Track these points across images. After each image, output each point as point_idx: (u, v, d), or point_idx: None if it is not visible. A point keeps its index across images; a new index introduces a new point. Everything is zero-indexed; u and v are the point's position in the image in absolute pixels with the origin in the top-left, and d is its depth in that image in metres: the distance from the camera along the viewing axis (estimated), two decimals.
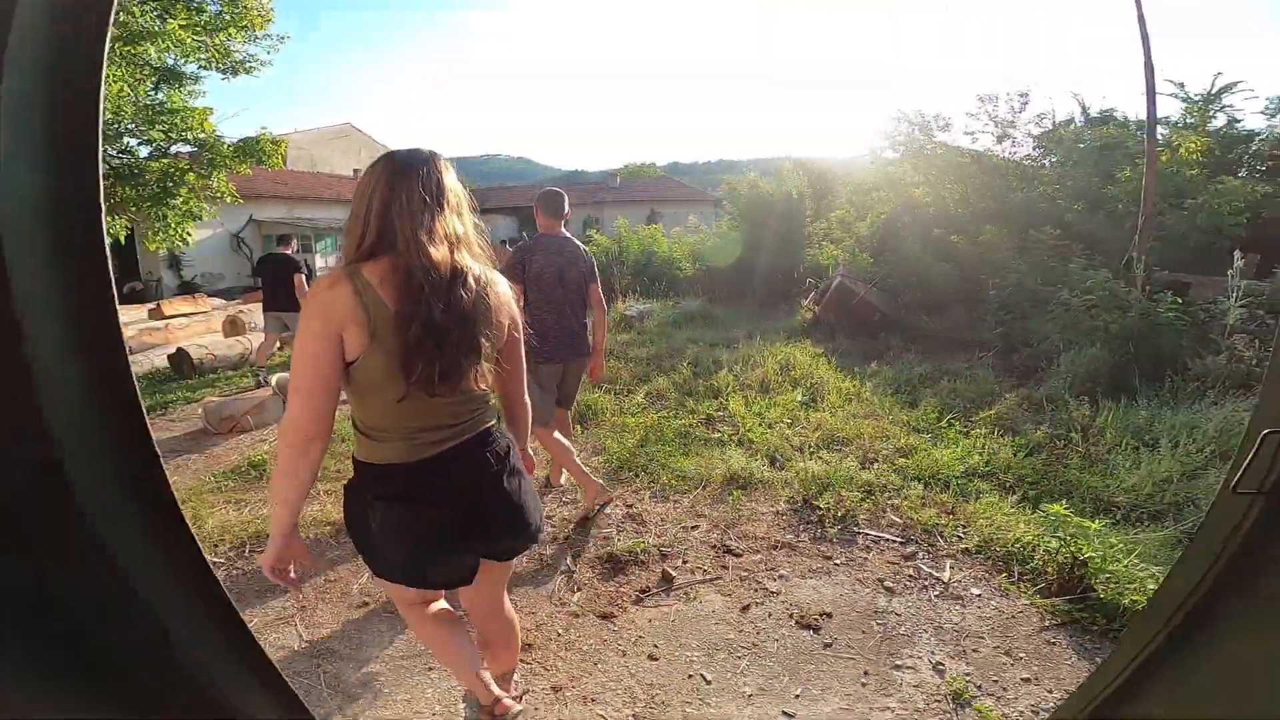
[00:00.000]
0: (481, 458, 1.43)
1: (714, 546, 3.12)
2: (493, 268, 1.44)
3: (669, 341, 7.38)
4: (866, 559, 3.03)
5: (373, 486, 1.37)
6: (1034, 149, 11.30)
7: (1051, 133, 10.89)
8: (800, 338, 7.65)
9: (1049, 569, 2.80)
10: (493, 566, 1.59)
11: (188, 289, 19.74)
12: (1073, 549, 2.74)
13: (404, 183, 1.29)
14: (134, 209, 9.14)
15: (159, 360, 7.66)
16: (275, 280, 5.88)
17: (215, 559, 3.01)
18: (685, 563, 2.98)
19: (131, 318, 9.99)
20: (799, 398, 5.19)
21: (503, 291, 1.44)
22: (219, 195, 9.74)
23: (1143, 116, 10.19)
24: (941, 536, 3.19)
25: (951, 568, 2.95)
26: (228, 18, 8.37)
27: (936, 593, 2.78)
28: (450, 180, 1.36)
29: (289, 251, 6.29)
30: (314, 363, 1.24)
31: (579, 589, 2.77)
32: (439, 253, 1.28)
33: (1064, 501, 3.39)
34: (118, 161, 8.88)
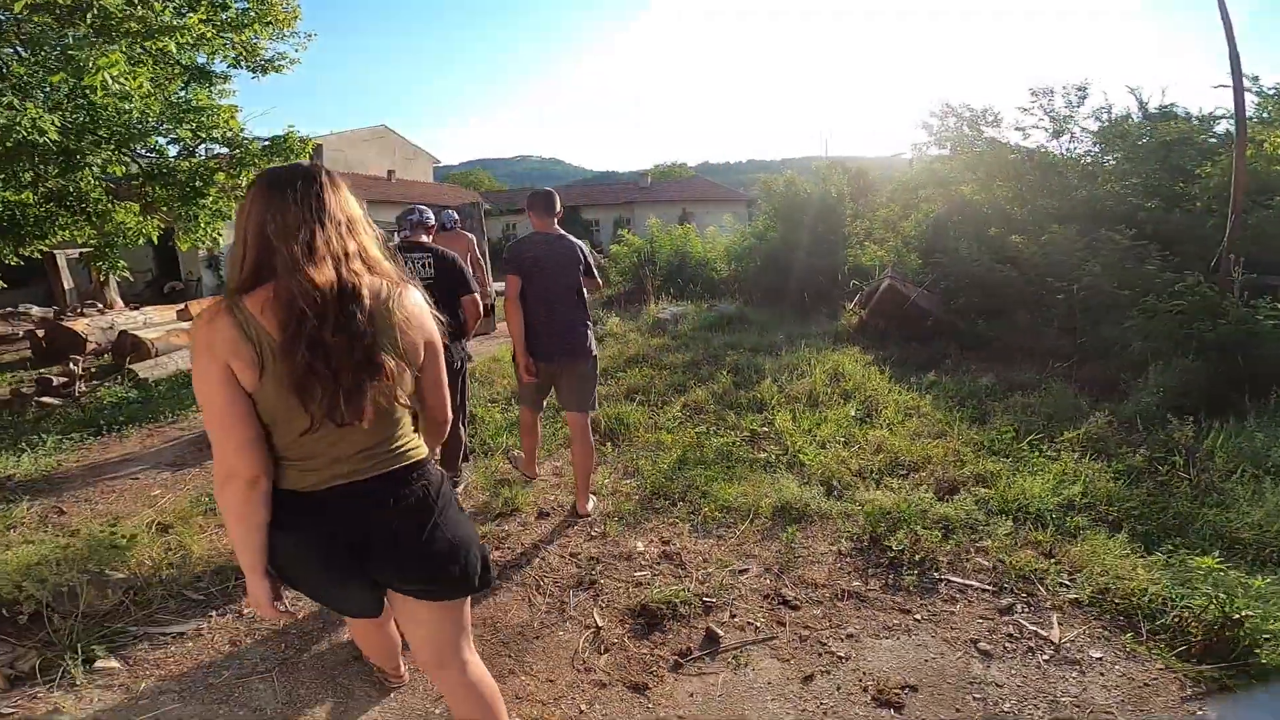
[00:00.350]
0: (390, 496, 1.32)
1: (767, 596, 2.65)
2: (403, 282, 1.34)
3: (705, 347, 6.90)
4: (953, 613, 2.53)
5: (276, 511, 1.29)
6: (1094, 145, 10.57)
7: (1113, 127, 10.14)
8: (846, 344, 7.10)
9: (1192, 628, 2.27)
10: (422, 608, 1.43)
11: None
12: (1225, 607, 2.21)
13: (279, 201, 1.21)
14: (165, 208, 9.06)
15: (183, 362, 7.48)
16: None
17: (195, 595, 2.66)
18: (733, 617, 2.51)
19: (161, 318, 9.90)
20: (852, 412, 4.67)
21: (412, 305, 1.33)
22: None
23: (1207, 111, 9.43)
24: (1042, 585, 2.67)
25: (1060, 624, 2.44)
26: (253, 14, 8.19)
27: (1045, 656, 2.28)
28: (335, 194, 1.28)
29: None
30: (217, 398, 1.18)
31: (606, 650, 2.32)
32: (322, 272, 1.18)
33: (1179, 539, 2.88)
34: (147, 161, 8.80)
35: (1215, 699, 2.04)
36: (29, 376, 7.23)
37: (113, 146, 7.90)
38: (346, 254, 1.23)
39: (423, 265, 3.14)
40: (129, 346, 7.41)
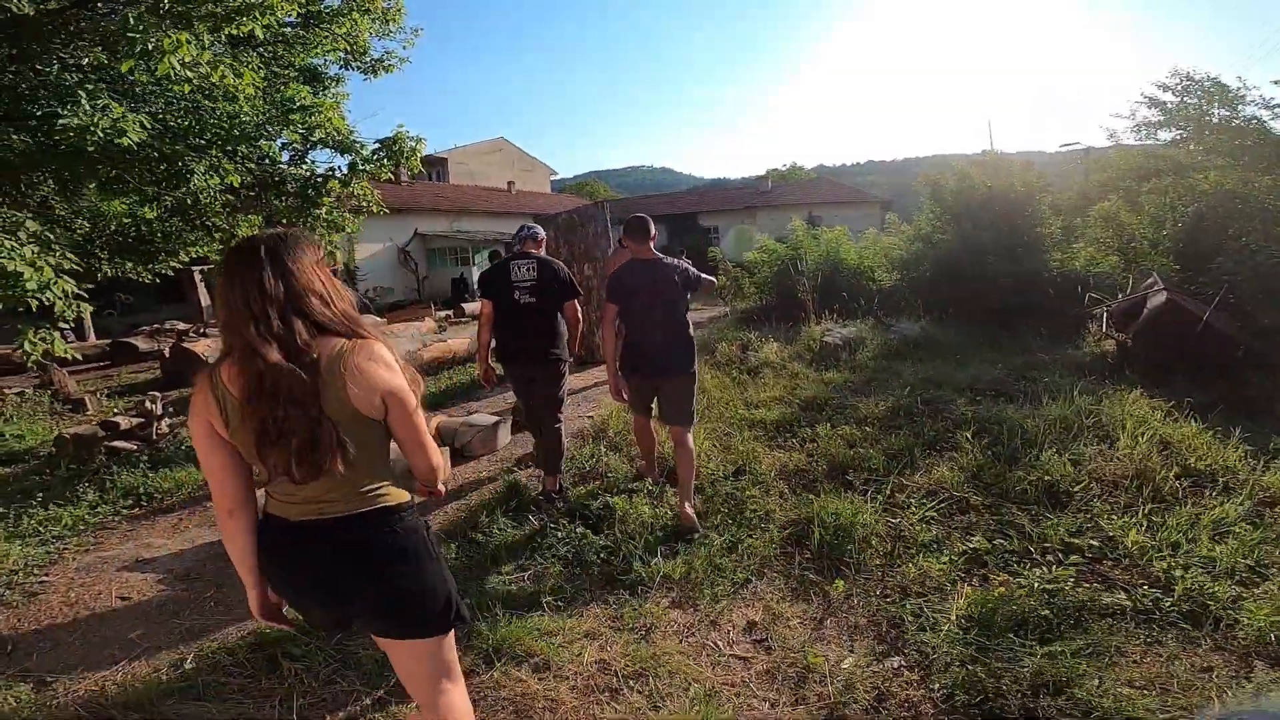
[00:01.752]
0: (347, 540, 1.41)
1: None
2: (363, 337, 1.38)
3: (902, 385, 5.10)
4: None
5: (261, 534, 1.46)
6: None
7: None
8: (1107, 381, 5.04)
9: None
10: (393, 644, 1.53)
11: (360, 304, 20.13)
12: None
13: (232, 281, 1.32)
14: (283, 220, 8.60)
15: None
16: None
17: None
18: None
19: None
20: (1235, 511, 2.78)
21: (363, 361, 1.34)
22: (366, 203, 8.95)
23: None
24: None
25: None
26: (352, 3, 7.50)
27: None
28: (291, 261, 1.34)
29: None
30: (200, 449, 1.38)
31: None
32: (270, 353, 1.27)
33: None
34: (260, 168, 8.28)
35: None
36: (149, 400, 6.70)
37: (216, 152, 7.37)
38: (299, 322, 1.31)
39: (527, 269, 3.45)
40: None
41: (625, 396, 3.37)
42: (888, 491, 3.22)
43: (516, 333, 3.42)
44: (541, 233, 3.61)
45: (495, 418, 4.78)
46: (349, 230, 8.83)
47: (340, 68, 9.50)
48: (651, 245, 3.28)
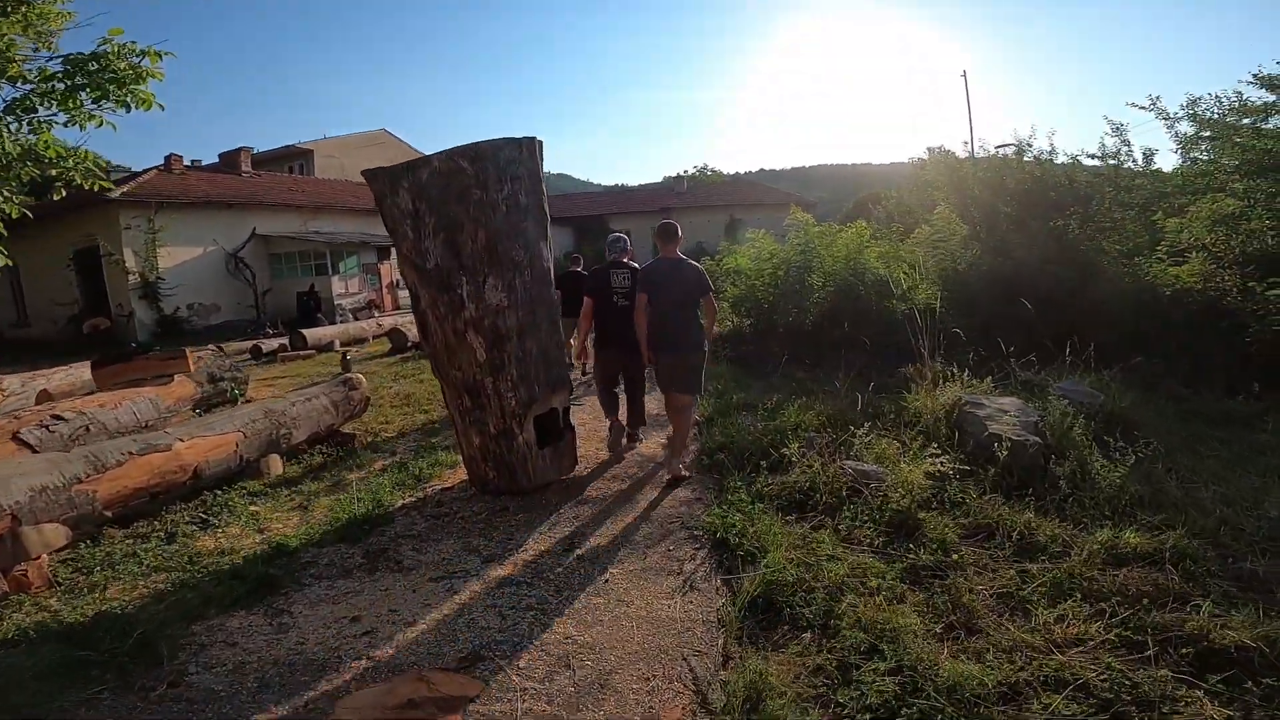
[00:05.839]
0: None
1: None
2: None
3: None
4: None
5: None
6: None
7: None
8: None
9: None
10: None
11: (168, 326, 15.08)
12: None
13: None
14: None
15: None
16: (573, 296, 5.94)
17: None
18: None
19: None
20: None
21: None
22: (65, 172, 4.72)
23: None
24: None
25: None
26: None
27: None
28: None
29: (580, 269, 6.85)
30: None
31: None
32: None
33: None
34: None
35: None
36: None
37: None
38: None
39: (623, 278, 4.38)
40: None
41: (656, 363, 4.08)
42: None
43: (615, 330, 4.34)
44: (628, 243, 4.67)
45: None
46: (12, 214, 4.65)
47: None
48: (677, 248, 3.99)
